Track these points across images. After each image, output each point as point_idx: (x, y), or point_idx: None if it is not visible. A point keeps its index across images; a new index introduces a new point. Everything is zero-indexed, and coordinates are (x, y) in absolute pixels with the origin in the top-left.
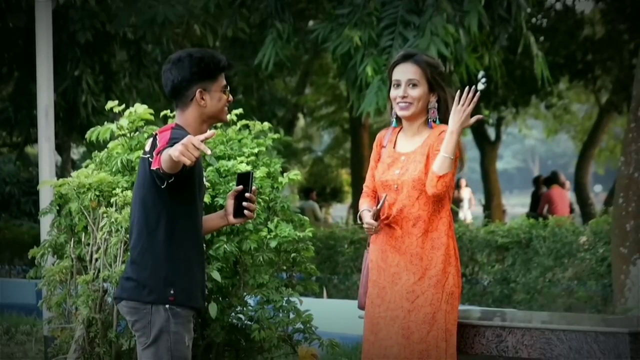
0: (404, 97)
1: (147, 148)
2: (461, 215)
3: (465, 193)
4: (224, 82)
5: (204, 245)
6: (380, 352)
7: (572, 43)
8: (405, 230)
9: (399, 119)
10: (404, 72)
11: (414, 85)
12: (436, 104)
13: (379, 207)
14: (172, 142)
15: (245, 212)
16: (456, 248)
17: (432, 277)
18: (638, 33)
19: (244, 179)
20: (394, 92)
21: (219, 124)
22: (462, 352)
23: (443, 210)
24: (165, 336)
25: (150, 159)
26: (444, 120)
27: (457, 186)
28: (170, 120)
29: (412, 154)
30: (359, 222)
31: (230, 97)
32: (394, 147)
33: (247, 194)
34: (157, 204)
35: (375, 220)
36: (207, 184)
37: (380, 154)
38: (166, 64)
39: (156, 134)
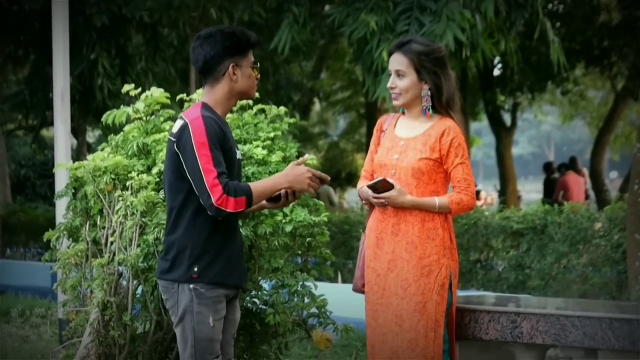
0: (392, 87)
1: (175, 130)
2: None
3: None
4: (253, 59)
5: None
6: (379, 338)
7: (588, 29)
8: (402, 217)
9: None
10: (394, 62)
11: (401, 76)
12: (429, 92)
13: (379, 179)
14: (210, 136)
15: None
16: (453, 240)
17: (425, 266)
18: None
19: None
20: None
21: (235, 108)
22: (477, 338)
23: None
24: (189, 316)
25: (175, 144)
26: (444, 104)
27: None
28: (186, 105)
29: (411, 140)
30: (362, 202)
31: (259, 75)
32: (394, 132)
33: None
34: (182, 185)
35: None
36: (239, 156)
37: (380, 138)
38: (195, 40)
39: (184, 118)
